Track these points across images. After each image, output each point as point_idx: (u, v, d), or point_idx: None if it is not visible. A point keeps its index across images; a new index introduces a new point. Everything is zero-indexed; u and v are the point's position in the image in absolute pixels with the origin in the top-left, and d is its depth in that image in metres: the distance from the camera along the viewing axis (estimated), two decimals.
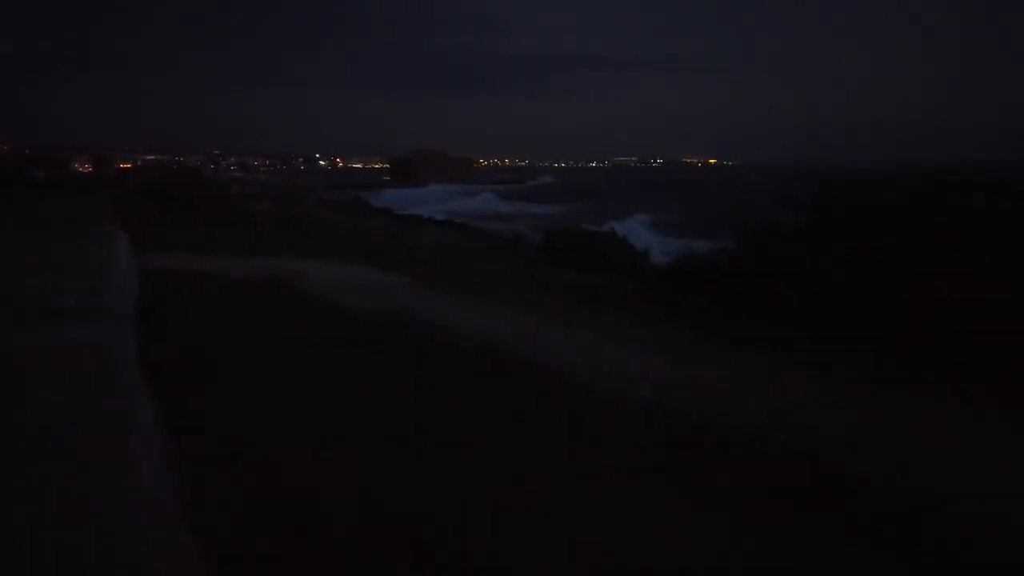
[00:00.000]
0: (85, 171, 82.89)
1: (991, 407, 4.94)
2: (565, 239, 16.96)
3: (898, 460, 3.98)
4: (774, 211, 8.81)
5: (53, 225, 16.80)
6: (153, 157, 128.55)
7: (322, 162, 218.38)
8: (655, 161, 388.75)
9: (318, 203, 50.85)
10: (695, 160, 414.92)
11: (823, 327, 7.05)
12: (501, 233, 32.37)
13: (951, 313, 6.16)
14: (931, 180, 7.86)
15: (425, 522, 2.90)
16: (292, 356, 5.42)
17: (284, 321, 6.57)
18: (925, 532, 3.09)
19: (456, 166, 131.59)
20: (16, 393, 4.36)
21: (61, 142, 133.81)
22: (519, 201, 74.38)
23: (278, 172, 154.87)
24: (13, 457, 3.40)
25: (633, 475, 3.51)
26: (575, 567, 2.69)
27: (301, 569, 2.60)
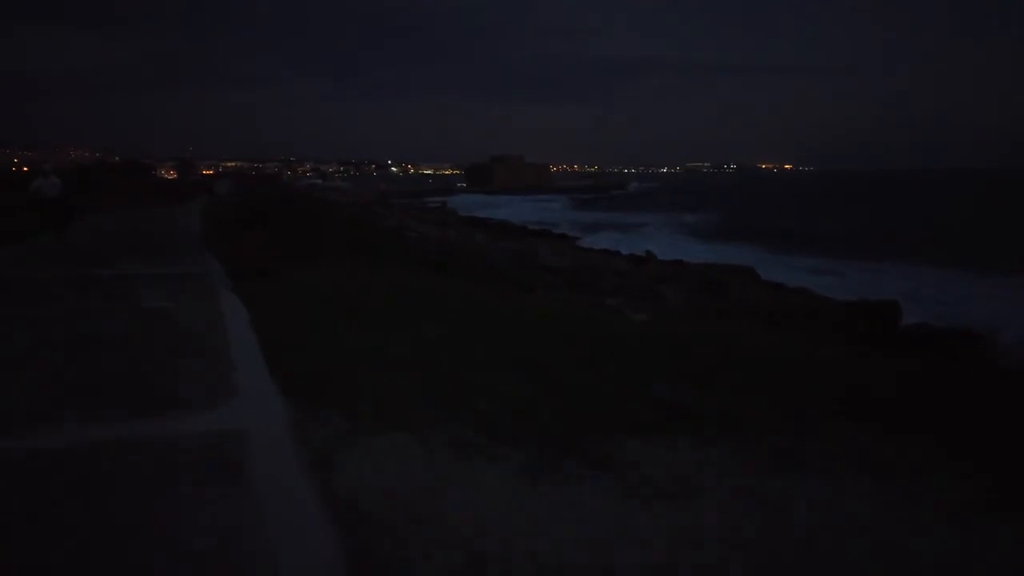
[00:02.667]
0: (170, 177, 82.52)
1: None
2: None
3: None
4: None
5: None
6: (234, 164, 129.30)
7: (394, 168, 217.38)
8: (728, 167, 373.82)
9: (407, 212, 47.27)
10: (771, 166, 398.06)
11: None
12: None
13: None
14: None
15: None
16: None
17: None
18: None
19: (531, 172, 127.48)
20: None
21: (148, 148, 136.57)
22: (583, 209, 69.45)
23: (352, 178, 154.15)
24: None
25: None
26: None
27: None
